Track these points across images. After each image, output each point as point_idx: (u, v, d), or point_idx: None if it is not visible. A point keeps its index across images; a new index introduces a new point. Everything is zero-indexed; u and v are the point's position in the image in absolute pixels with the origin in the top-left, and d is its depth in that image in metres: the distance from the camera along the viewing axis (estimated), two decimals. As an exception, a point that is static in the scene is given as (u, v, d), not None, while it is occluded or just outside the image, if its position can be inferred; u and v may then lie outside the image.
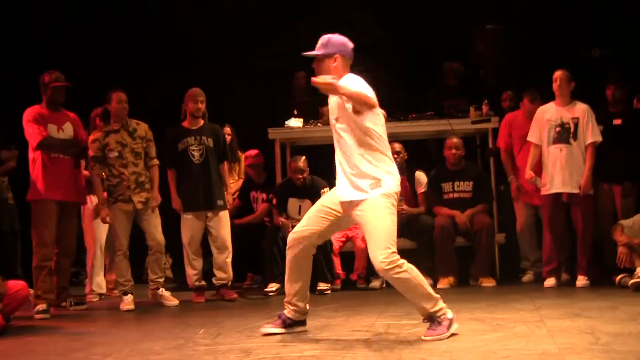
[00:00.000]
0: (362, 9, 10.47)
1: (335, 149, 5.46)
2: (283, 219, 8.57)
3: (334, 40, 5.46)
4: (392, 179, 5.29)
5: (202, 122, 8.24)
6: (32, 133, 7.62)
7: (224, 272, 8.19)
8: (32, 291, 7.46)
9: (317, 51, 5.45)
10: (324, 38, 5.47)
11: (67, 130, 7.82)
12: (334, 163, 5.53)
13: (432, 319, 5.20)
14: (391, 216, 5.21)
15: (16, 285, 6.90)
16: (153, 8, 10.87)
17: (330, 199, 5.48)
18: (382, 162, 5.29)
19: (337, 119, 5.41)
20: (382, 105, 5.45)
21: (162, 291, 7.98)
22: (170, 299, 7.96)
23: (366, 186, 5.25)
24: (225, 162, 8.43)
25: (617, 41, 10.13)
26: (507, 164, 8.80)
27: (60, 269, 7.84)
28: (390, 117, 9.24)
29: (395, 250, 5.17)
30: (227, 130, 9.30)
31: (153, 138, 8.10)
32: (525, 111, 8.67)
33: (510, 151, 8.79)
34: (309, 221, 5.48)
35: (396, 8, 10.47)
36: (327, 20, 10.27)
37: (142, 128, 8.04)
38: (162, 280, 8.04)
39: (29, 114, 7.70)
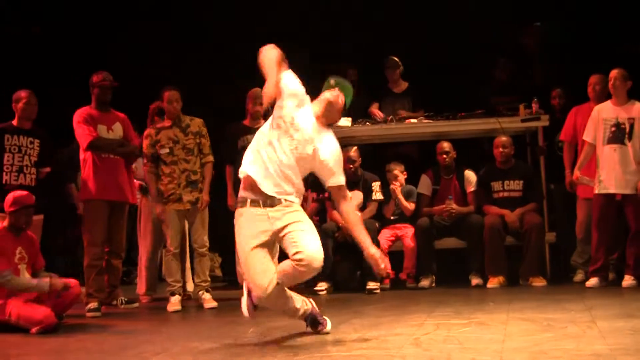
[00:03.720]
0: (411, 4, 10.42)
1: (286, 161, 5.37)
2: (335, 212, 8.58)
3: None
4: None
5: (262, 121, 8.26)
6: (82, 134, 7.71)
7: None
8: (83, 290, 7.54)
9: None
10: None
11: (117, 130, 7.91)
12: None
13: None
14: None
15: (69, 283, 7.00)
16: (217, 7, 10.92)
17: (256, 237, 5.34)
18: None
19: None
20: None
21: (204, 294, 7.93)
22: (210, 302, 7.91)
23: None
24: None
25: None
26: (567, 158, 8.65)
27: (111, 267, 7.92)
28: (439, 115, 9.24)
29: None
30: None
31: (208, 134, 8.06)
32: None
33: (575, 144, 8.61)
34: (268, 268, 5.32)
35: (444, 4, 10.41)
36: (379, 15, 10.35)
37: (196, 123, 7.99)
38: (205, 284, 7.94)
39: (78, 115, 7.79)
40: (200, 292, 7.86)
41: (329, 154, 5.42)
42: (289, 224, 5.29)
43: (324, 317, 5.66)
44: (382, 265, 5.36)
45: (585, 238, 8.44)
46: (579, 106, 8.64)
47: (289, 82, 5.45)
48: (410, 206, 8.81)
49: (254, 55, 5.45)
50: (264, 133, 5.42)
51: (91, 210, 7.76)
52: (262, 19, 10.72)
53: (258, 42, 5.47)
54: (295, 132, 5.34)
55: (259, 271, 5.26)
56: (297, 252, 5.19)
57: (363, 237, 5.41)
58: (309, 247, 5.21)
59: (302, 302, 5.55)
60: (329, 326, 5.62)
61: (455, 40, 10.36)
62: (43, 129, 7.87)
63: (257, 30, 10.50)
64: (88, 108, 7.87)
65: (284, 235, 5.30)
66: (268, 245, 5.34)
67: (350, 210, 5.62)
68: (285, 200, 5.34)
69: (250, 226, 5.32)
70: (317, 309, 5.68)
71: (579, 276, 8.49)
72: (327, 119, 5.51)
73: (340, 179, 5.47)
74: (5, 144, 7.53)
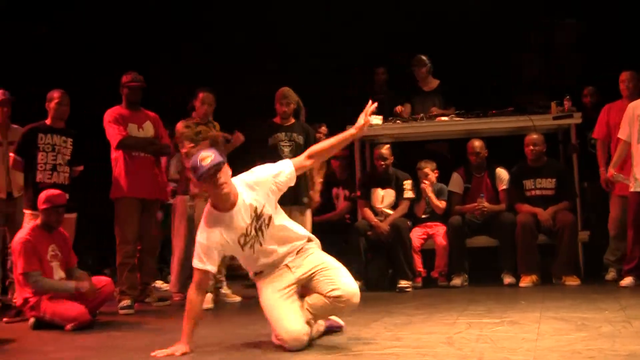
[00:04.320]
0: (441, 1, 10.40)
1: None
2: (367, 210, 8.58)
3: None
4: None
5: (292, 120, 8.28)
6: (112, 133, 7.77)
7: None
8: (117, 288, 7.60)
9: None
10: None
11: (148, 129, 7.96)
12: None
13: None
14: None
15: (101, 281, 7.07)
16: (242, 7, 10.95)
17: (281, 291, 5.23)
18: None
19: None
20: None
21: (226, 289, 8.00)
22: (232, 296, 7.98)
23: None
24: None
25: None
26: (600, 156, 8.58)
27: (143, 265, 7.97)
28: (470, 113, 9.19)
29: None
30: (323, 129, 9.47)
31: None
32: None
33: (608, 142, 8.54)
34: (296, 314, 5.15)
35: (475, 0, 10.37)
36: (409, 12, 10.31)
37: (216, 128, 8.08)
38: (223, 278, 8.01)
39: (109, 115, 7.86)
40: (220, 288, 7.93)
41: (266, 189, 5.21)
42: (314, 267, 5.23)
43: (335, 320, 5.65)
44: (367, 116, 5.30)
45: (618, 235, 8.36)
46: (611, 103, 8.58)
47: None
48: (442, 204, 8.79)
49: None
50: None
51: (123, 208, 7.81)
52: (287, 17, 10.78)
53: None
54: (245, 245, 5.19)
55: (292, 319, 5.10)
56: (334, 289, 5.10)
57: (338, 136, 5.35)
58: (346, 283, 5.13)
59: (316, 328, 5.38)
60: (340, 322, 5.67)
61: (485, 36, 10.32)
62: (76, 128, 7.93)
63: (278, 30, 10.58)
64: (119, 107, 7.94)
65: (312, 276, 5.22)
66: (294, 294, 5.26)
67: (315, 147, 5.47)
68: (297, 253, 5.32)
69: (273, 284, 5.25)
70: (333, 321, 5.63)
71: (610, 274, 8.41)
72: (214, 199, 5.14)
73: (285, 163, 5.35)
74: (39, 142, 7.60)
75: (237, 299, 8.02)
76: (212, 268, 5.12)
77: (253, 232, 5.16)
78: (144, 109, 8.07)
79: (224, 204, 5.08)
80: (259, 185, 5.18)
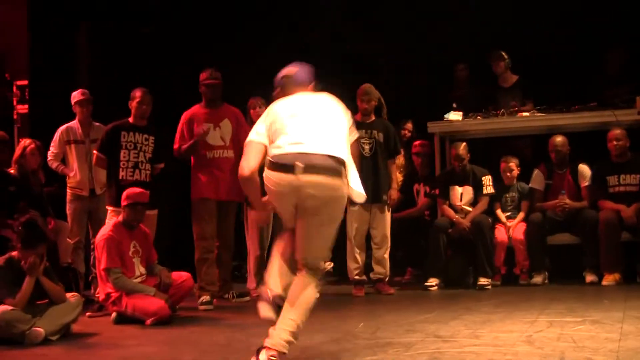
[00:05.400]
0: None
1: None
2: (447, 208, 8.55)
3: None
4: None
5: (373, 117, 8.28)
6: (175, 139, 7.91)
7: (382, 267, 8.21)
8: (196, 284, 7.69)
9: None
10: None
11: (225, 127, 7.98)
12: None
13: None
14: None
15: (181, 276, 7.16)
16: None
17: None
18: None
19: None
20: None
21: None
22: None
23: None
24: (394, 158, 8.46)
25: None
26: None
27: (221, 262, 8.03)
28: (551, 108, 9.04)
29: None
30: (409, 126, 9.60)
31: None
32: None
33: None
34: None
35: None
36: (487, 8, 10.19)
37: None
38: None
39: (183, 116, 7.97)
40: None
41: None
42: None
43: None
44: None
45: None
46: None
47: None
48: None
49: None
50: None
51: (199, 207, 7.86)
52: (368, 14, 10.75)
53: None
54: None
55: None
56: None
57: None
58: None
59: None
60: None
61: (566, 29, 10.12)
62: (158, 126, 8.05)
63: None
64: (197, 107, 8.01)
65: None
66: None
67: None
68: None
69: None
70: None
71: None
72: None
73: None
74: (121, 140, 7.72)
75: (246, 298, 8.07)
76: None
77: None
78: (228, 105, 8.11)
79: None
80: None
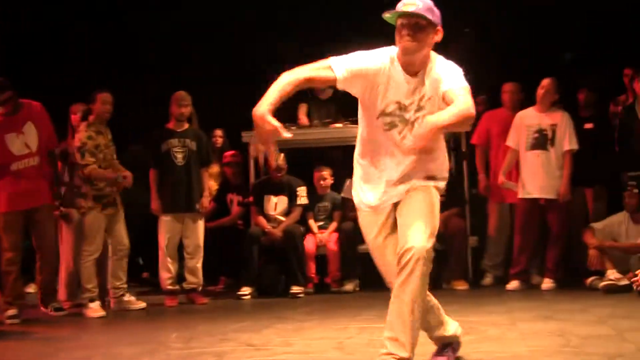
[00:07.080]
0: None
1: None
2: (259, 217, 8.60)
3: (437, 9, 4.07)
4: None
5: (186, 125, 8.21)
6: None
7: (195, 277, 8.14)
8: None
9: (425, 13, 3.97)
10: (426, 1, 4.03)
11: (29, 133, 7.67)
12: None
13: None
14: None
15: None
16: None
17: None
18: None
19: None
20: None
21: (128, 296, 7.90)
22: (136, 303, 7.87)
23: None
24: (207, 167, 8.45)
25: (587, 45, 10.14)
26: (479, 162, 8.64)
27: (42, 273, 7.74)
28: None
29: None
30: (218, 132, 9.61)
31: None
32: None
33: None
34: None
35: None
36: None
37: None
38: (126, 286, 7.91)
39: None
40: (123, 296, 7.78)
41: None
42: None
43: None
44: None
45: (496, 241, 8.59)
46: (492, 111, 8.78)
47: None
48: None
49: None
50: None
51: (3, 219, 7.54)
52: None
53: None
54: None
55: None
56: None
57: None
58: None
59: None
60: None
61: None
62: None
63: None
64: None
65: None
66: None
67: None
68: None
69: None
70: None
71: (487, 279, 8.56)
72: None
73: None
74: None
75: (142, 304, 7.88)
76: (339, 75, 4.11)
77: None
78: (28, 103, 7.57)
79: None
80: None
